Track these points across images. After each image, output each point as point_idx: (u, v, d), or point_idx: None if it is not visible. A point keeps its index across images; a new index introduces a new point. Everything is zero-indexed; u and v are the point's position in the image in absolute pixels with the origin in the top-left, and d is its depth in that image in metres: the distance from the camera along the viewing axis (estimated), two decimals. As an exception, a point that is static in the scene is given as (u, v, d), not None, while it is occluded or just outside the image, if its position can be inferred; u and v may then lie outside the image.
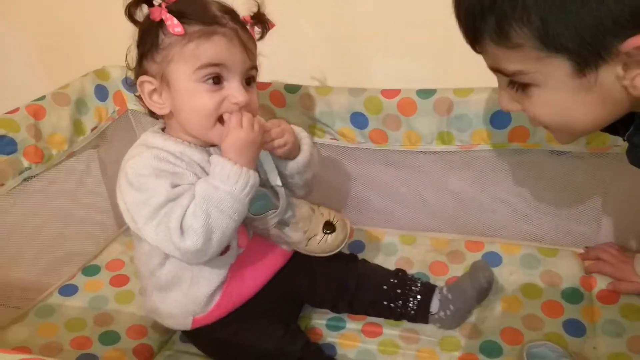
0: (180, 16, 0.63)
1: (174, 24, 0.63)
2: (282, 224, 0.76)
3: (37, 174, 0.89)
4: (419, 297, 0.83)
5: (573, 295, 0.85)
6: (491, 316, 0.84)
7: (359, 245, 1.00)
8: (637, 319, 0.79)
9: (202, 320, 0.76)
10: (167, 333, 0.86)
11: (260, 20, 0.70)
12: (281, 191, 0.75)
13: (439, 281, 0.90)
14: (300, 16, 0.96)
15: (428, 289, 0.84)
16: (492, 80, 0.84)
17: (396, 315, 0.84)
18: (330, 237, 0.77)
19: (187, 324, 0.76)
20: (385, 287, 0.84)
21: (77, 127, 0.95)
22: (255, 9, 0.70)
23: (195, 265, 0.72)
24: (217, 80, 0.65)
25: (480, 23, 0.48)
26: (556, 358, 0.71)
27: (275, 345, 0.74)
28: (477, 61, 0.90)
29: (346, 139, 0.95)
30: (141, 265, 0.77)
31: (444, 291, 0.83)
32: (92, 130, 0.98)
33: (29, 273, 0.90)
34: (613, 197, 0.88)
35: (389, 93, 0.89)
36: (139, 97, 0.71)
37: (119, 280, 0.94)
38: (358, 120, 0.92)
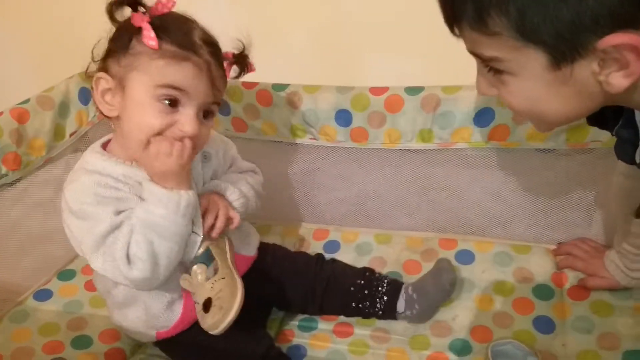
0: (160, 31, 0.62)
1: (149, 37, 0.61)
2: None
3: (14, 181, 0.89)
4: (385, 297, 0.83)
5: (544, 292, 0.84)
6: (462, 314, 0.83)
7: (334, 244, 1.00)
8: (607, 315, 0.79)
9: (165, 333, 0.75)
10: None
11: (241, 61, 0.70)
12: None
13: (412, 279, 0.90)
14: (291, 18, 0.96)
15: (394, 289, 0.84)
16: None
17: (364, 314, 0.84)
18: (202, 315, 0.67)
19: (151, 337, 0.76)
20: (352, 289, 0.84)
21: (57, 131, 0.95)
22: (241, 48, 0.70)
23: None
24: (174, 103, 0.64)
25: (459, 8, 0.48)
26: (522, 356, 0.71)
27: (238, 349, 0.74)
28: (469, 60, 0.91)
29: (326, 138, 0.95)
30: (97, 283, 0.77)
31: (409, 291, 0.83)
32: (71, 135, 0.98)
33: (4, 278, 0.90)
34: (601, 192, 0.88)
35: (378, 90, 0.89)
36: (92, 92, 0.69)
37: (94, 285, 0.94)
38: (343, 117, 0.92)
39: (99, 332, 0.86)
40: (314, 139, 0.96)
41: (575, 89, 0.47)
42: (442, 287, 0.82)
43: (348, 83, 0.92)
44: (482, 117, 0.86)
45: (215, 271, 0.69)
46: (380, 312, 0.83)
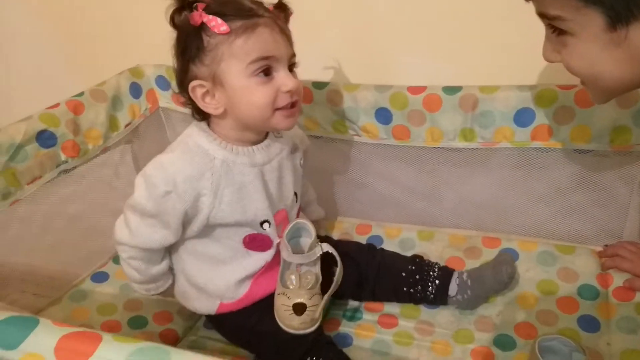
0: (219, 15, 0.64)
1: (218, 24, 0.64)
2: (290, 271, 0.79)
3: (73, 167, 0.94)
4: (437, 281, 0.85)
5: (589, 292, 0.85)
6: (506, 311, 0.85)
7: (377, 240, 1.03)
8: (652, 316, 0.79)
9: (228, 306, 0.79)
10: (191, 319, 0.90)
11: (282, 9, 0.71)
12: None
13: (456, 276, 0.92)
14: (327, 17, 0.99)
15: (446, 273, 0.86)
16: (517, 79, 0.87)
17: (416, 299, 0.86)
18: (289, 314, 0.75)
19: (213, 308, 0.80)
20: (404, 274, 0.86)
21: (112, 123, 1.00)
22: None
23: (239, 252, 0.77)
24: (268, 72, 0.68)
25: None
26: (568, 352, 0.72)
27: (291, 333, 0.77)
28: (502, 60, 0.91)
29: (369, 135, 0.97)
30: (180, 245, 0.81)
31: (464, 277, 0.85)
32: (126, 126, 1.03)
33: (63, 261, 0.95)
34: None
35: (415, 89, 0.91)
36: (188, 102, 0.73)
37: (148, 269, 0.99)
38: (382, 115, 0.94)
39: (152, 313, 0.90)
40: (357, 135, 0.99)
41: (629, 52, 0.50)
42: (500, 277, 0.84)
43: (382, 82, 0.94)
44: (523, 117, 0.87)
45: (317, 282, 0.77)
46: (432, 296, 0.85)
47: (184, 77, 0.70)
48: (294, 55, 0.71)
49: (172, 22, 0.68)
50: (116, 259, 1.02)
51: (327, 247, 0.78)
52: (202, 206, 0.71)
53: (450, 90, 0.89)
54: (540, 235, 0.97)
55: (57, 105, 0.91)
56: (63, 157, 0.92)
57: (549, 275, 0.89)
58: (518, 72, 0.89)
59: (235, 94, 0.68)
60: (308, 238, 0.79)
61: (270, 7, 0.71)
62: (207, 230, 0.75)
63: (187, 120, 1.10)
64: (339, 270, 0.79)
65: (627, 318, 0.80)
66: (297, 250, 0.78)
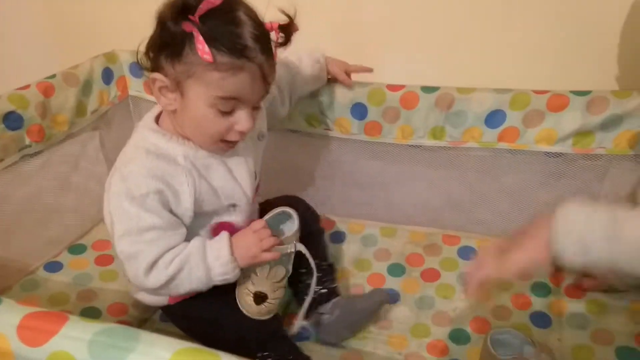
0: (212, 40, 0.61)
1: (203, 51, 0.61)
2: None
3: (36, 152, 0.91)
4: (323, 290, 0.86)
5: (542, 289, 0.88)
6: (462, 306, 0.86)
7: (340, 235, 1.03)
8: (601, 313, 0.82)
9: (178, 297, 0.77)
10: (147, 312, 0.88)
11: (287, 31, 0.69)
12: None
13: (415, 271, 0.94)
14: (312, 15, 0.99)
15: (333, 293, 0.86)
16: (494, 82, 0.89)
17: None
18: (248, 302, 0.75)
19: (163, 301, 0.78)
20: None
21: (79, 108, 0.98)
22: (285, 18, 0.69)
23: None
24: (230, 110, 0.66)
25: None
26: (519, 344, 0.74)
27: (251, 324, 0.76)
28: (482, 62, 0.94)
29: (341, 130, 0.98)
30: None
31: (341, 301, 0.85)
32: (92, 113, 1.01)
33: (17, 249, 0.92)
34: (605, 199, 0.91)
35: (394, 87, 0.92)
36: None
37: (105, 260, 0.97)
38: (358, 110, 0.95)
39: (107, 305, 0.88)
40: (328, 129, 0.99)
41: None
42: (371, 306, 0.85)
43: (364, 80, 0.95)
44: (493, 119, 0.89)
45: (285, 277, 0.76)
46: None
47: (152, 61, 0.68)
48: (265, 95, 0.69)
49: (162, 25, 0.64)
50: (71, 249, 1.00)
51: (301, 248, 0.76)
52: (183, 200, 0.70)
53: (429, 89, 0.91)
54: (500, 235, 0.98)
55: (27, 86, 0.89)
56: (27, 141, 0.89)
57: (505, 273, 0.91)
58: (499, 76, 0.92)
59: (190, 112, 0.67)
60: (290, 227, 0.77)
61: (273, 24, 0.67)
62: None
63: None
64: (313, 280, 0.78)
65: (578, 315, 0.82)
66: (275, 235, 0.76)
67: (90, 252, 0.99)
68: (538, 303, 0.85)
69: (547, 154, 0.90)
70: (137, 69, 1.06)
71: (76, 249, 1.00)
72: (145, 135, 0.72)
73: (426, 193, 1.01)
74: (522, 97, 0.86)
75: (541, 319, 0.83)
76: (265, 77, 0.67)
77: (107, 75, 1.03)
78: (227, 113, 0.67)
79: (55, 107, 0.92)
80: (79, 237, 1.03)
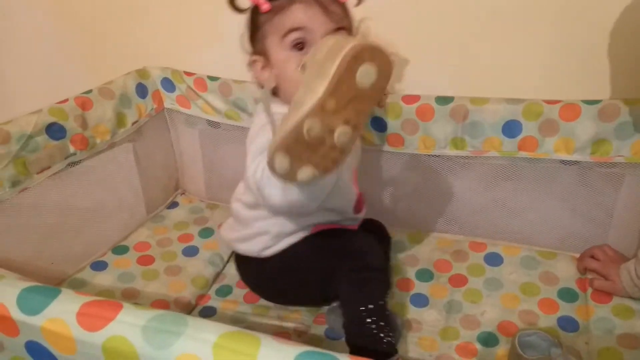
0: None
1: (260, 2, 0.71)
2: None
3: (80, 160, 0.98)
4: None
5: (568, 295, 0.89)
6: (490, 310, 0.88)
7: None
8: (628, 317, 0.83)
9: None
10: (187, 308, 0.93)
11: None
12: None
13: (443, 277, 0.96)
14: None
15: None
16: (506, 92, 0.92)
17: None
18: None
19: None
20: None
21: (120, 119, 1.05)
22: None
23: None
24: (302, 45, 0.71)
25: None
26: (546, 347, 0.75)
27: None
28: (493, 73, 0.96)
29: (364, 142, 1.01)
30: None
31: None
32: (133, 124, 1.07)
33: (64, 249, 0.98)
34: (622, 207, 0.93)
35: (409, 99, 0.96)
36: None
37: (145, 260, 1.02)
38: (378, 123, 0.99)
39: (150, 302, 0.92)
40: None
41: None
42: None
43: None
44: (510, 128, 0.92)
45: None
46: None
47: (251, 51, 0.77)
48: (338, 29, 0.72)
49: (232, 4, 0.75)
50: (115, 250, 1.05)
51: None
52: None
53: (443, 100, 0.94)
54: (525, 242, 1.01)
55: (65, 100, 0.95)
56: (72, 149, 0.96)
57: (531, 279, 0.93)
58: (508, 86, 0.95)
59: (278, 67, 0.74)
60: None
61: None
62: None
63: (190, 122, 1.16)
64: None
65: (604, 319, 0.83)
66: None
67: (132, 252, 1.05)
68: (565, 308, 0.87)
69: (564, 162, 0.92)
70: (169, 84, 1.13)
71: (119, 249, 1.06)
72: (274, 111, 0.72)
73: (453, 201, 1.04)
74: (535, 107, 0.89)
75: (569, 323, 0.84)
76: (324, 6, 0.71)
77: (142, 90, 1.10)
78: (301, 52, 0.71)
79: (94, 118, 0.99)
80: (122, 239, 1.08)
